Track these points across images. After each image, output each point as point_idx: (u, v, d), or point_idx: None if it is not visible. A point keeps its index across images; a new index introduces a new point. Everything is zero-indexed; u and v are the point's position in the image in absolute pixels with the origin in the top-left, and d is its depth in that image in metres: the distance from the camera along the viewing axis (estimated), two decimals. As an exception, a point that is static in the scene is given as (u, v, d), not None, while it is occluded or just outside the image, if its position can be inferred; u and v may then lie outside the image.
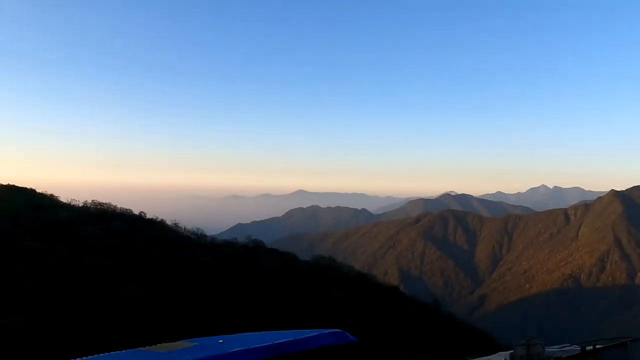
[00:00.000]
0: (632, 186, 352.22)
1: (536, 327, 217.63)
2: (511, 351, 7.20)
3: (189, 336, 7.38)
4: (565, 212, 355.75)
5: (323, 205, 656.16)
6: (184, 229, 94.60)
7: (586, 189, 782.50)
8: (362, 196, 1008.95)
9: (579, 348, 7.28)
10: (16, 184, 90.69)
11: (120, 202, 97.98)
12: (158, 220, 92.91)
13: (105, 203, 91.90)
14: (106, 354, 6.24)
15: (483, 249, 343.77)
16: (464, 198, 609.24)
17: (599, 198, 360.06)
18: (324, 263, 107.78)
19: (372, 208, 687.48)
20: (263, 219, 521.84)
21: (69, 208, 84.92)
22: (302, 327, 7.41)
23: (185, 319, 50.53)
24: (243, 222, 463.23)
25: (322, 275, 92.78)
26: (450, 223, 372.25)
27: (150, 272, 63.87)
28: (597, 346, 7.28)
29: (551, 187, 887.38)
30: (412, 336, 73.72)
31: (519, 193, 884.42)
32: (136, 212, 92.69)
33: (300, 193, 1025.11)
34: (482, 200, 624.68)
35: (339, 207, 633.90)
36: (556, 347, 7.96)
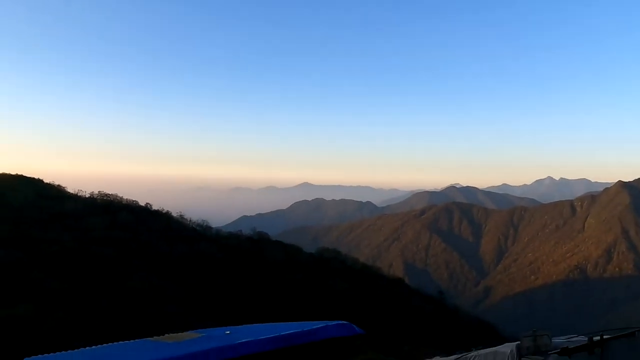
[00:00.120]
0: (639, 177, 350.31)
1: (542, 319, 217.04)
2: (518, 342, 7.11)
3: (195, 327, 7.48)
4: (571, 204, 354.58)
5: (328, 197, 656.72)
6: (190, 220, 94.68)
7: (592, 181, 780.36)
8: (366, 189, 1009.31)
9: (586, 339, 7.14)
10: (24, 174, 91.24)
11: (127, 193, 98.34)
12: (164, 211, 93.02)
13: (112, 194, 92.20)
14: (114, 343, 6.33)
15: (488, 241, 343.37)
16: (469, 190, 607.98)
17: (606, 189, 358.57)
18: (328, 255, 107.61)
19: (377, 200, 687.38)
20: (268, 212, 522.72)
21: (75, 199, 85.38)
22: (307, 319, 7.37)
23: (192, 311, 50.34)
24: (248, 215, 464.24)
25: (326, 267, 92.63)
26: (455, 215, 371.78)
27: (156, 264, 63.82)
28: (605, 337, 7.13)
29: (557, 179, 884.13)
30: (417, 328, 73.51)
31: (524, 185, 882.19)
32: (142, 203, 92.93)
33: (305, 185, 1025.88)
34: (488, 193, 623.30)
35: (343, 199, 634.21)
36: (563, 337, 7.85)
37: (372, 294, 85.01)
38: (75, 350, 5.97)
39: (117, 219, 76.79)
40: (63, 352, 5.93)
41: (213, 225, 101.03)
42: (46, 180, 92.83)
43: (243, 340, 5.56)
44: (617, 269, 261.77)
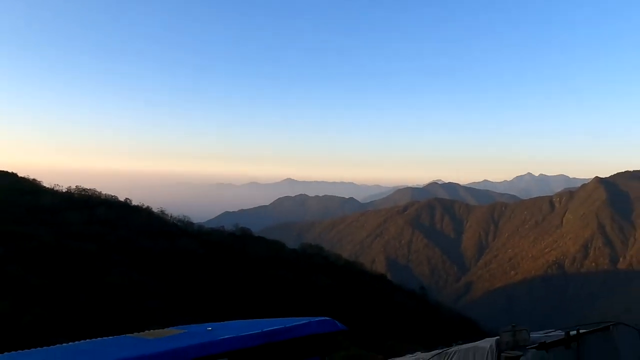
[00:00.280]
0: (615, 173, 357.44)
1: (521, 313, 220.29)
2: (497, 337, 7.26)
3: (177, 323, 7.52)
4: (550, 200, 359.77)
5: (311, 194, 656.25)
6: (171, 216, 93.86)
7: (571, 177, 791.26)
8: (350, 185, 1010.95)
9: (563, 333, 7.42)
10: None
11: (105, 188, 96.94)
12: (144, 207, 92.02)
13: (90, 189, 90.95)
14: (93, 339, 6.28)
15: (469, 237, 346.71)
16: (451, 186, 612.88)
17: (584, 185, 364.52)
18: (311, 251, 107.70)
19: (360, 197, 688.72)
20: (251, 207, 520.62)
21: (52, 193, 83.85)
22: (290, 315, 7.43)
23: (173, 306, 49.94)
24: (230, 210, 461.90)
25: (310, 263, 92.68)
26: (438, 211, 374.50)
27: (136, 259, 63.13)
28: (581, 331, 7.45)
29: (537, 175, 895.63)
30: (399, 324, 73.95)
31: (505, 181, 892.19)
32: (121, 198, 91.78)
33: (289, 182, 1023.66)
34: (469, 189, 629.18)
35: (327, 195, 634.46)
36: (541, 332, 8.11)
37: (355, 290, 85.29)
38: (53, 346, 5.86)
39: (95, 214, 75.80)
40: (39, 348, 5.81)
41: (195, 221, 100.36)
42: (20, 174, 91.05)
43: (225, 337, 5.54)
44: (593, 264, 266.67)
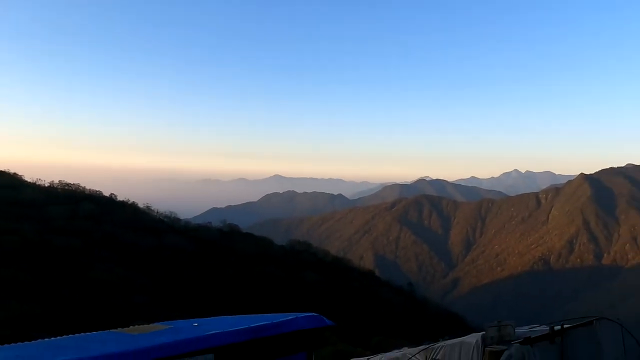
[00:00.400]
0: (600, 169, 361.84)
1: (508, 309, 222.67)
2: (483, 332, 7.27)
3: (164, 319, 7.30)
4: (536, 196, 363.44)
5: (299, 190, 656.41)
6: (157, 212, 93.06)
7: (556, 173, 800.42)
8: (338, 181, 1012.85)
9: (548, 328, 7.50)
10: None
11: (90, 183, 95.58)
12: (130, 202, 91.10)
13: (74, 184, 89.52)
14: (76, 334, 6.06)
15: (457, 233, 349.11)
16: (438, 183, 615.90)
17: (569, 182, 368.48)
18: (300, 248, 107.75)
19: (348, 193, 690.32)
20: (238, 204, 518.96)
21: (34, 188, 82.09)
22: (278, 311, 7.37)
23: (160, 302, 49.70)
24: (218, 207, 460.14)
25: (298, 260, 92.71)
26: (425, 208, 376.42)
27: (122, 255, 62.67)
28: (565, 326, 7.53)
29: (523, 172, 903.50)
30: (387, 319, 74.31)
31: (492, 178, 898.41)
32: (106, 194, 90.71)
33: (277, 178, 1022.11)
34: (457, 185, 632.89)
35: (315, 192, 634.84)
36: (526, 327, 8.20)
37: (343, 286, 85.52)
38: (34, 341, 5.75)
39: (79, 209, 74.79)
40: (19, 343, 5.70)
41: (181, 217, 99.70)
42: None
43: (211, 332, 5.48)
44: (578, 259, 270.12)
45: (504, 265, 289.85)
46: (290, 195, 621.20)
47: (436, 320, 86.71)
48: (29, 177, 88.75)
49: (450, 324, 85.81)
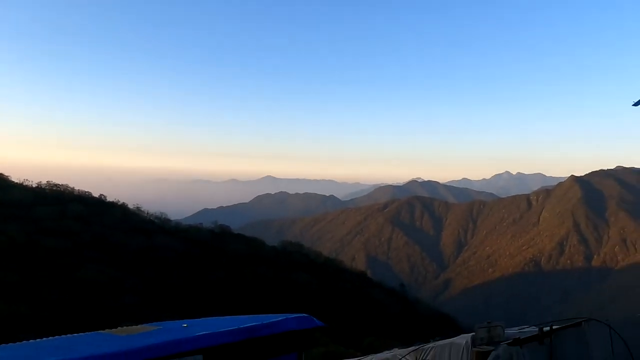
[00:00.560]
0: (590, 171, 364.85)
1: (499, 310, 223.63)
2: (473, 333, 7.32)
3: (154, 320, 7.31)
4: (527, 198, 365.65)
5: (291, 191, 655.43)
6: (147, 213, 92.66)
7: (547, 175, 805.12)
8: (330, 182, 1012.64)
9: (537, 329, 7.57)
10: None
11: (79, 184, 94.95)
12: (119, 203, 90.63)
13: (62, 184, 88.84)
14: (64, 336, 6.07)
15: (448, 234, 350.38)
16: (430, 184, 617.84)
17: (560, 183, 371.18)
18: (291, 249, 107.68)
19: (340, 194, 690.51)
20: (230, 205, 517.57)
21: (21, 188, 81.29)
22: (270, 312, 7.41)
23: (150, 303, 49.45)
24: (209, 208, 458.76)
25: (289, 261, 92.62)
26: (417, 209, 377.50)
27: (111, 256, 62.30)
28: (554, 327, 7.61)
29: (514, 174, 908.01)
30: (378, 320, 74.41)
31: (483, 179, 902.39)
32: (96, 194, 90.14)
33: (268, 179, 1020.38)
34: (448, 187, 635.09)
35: (307, 193, 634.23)
36: (516, 328, 8.25)
37: (335, 287, 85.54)
38: (21, 342, 5.70)
39: (67, 210, 74.26)
40: (7, 344, 5.65)
41: (172, 218, 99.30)
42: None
43: (200, 333, 5.46)
44: (569, 261, 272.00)
45: (495, 266, 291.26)
46: (282, 196, 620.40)
47: (428, 321, 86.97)
48: (16, 177, 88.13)
49: (441, 325, 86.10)
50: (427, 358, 7.82)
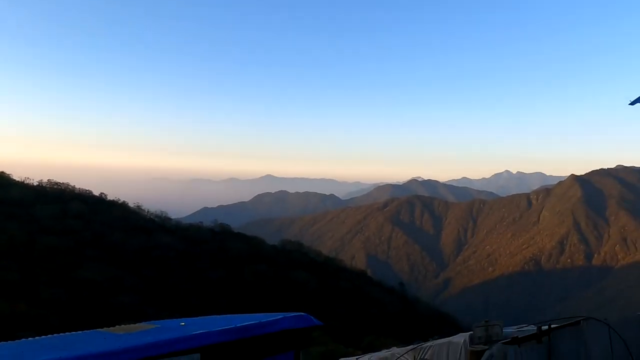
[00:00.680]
0: (590, 171, 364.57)
1: (499, 309, 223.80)
2: (471, 332, 7.36)
3: (153, 319, 7.40)
4: (527, 197, 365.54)
5: (291, 190, 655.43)
6: (147, 212, 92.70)
7: (547, 174, 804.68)
8: (330, 181, 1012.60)
9: (535, 328, 7.57)
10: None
11: (79, 183, 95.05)
12: (119, 202, 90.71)
13: (63, 183, 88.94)
14: (61, 334, 6.09)
15: (448, 233, 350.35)
16: (430, 184, 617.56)
17: (560, 183, 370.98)
18: (291, 247, 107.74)
19: (340, 193, 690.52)
20: (230, 203, 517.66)
21: (22, 186, 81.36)
22: (270, 311, 7.50)
23: (150, 301, 49.47)
24: (209, 206, 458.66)
25: (289, 259, 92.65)
26: (417, 208, 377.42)
27: (111, 254, 62.33)
28: (552, 326, 7.65)
29: (514, 173, 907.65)
30: (378, 319, 74.46)
31: (483, 178, 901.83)
32: (96, 193, 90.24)
33: (268, 178, 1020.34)
34: (448, 186, 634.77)
35: (307, 192, 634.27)
36: (514, 327, 8.31)
37: (335, 286, 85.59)
38: (18, 340, 5.71)
39: (68, 209, 74.33)
40: (4, 342, 5.66)
41: (172, 217, 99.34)
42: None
43: (197, 332, 5.47)
44: (569, 260, 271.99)
45: (495, 265, 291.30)
46: (282, 195, 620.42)
47: (427, 320, 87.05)
48: (17, 176, 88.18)
49: (441, 323, 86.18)
50: (426, 357, 7.84)
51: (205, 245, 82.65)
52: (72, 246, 58.77)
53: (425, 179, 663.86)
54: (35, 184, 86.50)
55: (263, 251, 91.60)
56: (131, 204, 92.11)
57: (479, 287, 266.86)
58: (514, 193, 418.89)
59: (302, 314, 6.69)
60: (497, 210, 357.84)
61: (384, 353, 9.25)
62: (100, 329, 6.14)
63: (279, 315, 6.43)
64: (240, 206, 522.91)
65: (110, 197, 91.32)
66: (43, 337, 5.93)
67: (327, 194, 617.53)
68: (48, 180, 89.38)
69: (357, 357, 10.78)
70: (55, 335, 6.04)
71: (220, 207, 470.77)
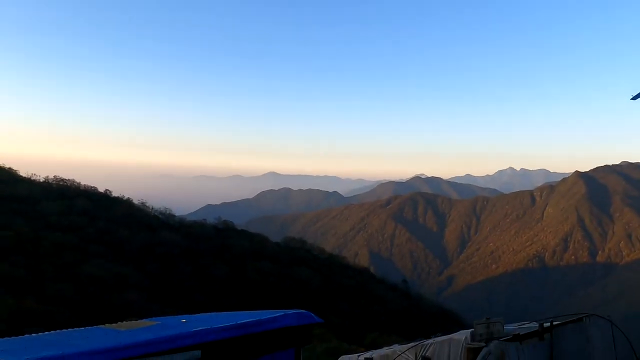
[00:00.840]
0: (595, 167, 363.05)
1: (502, 306, 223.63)
2: (472, 329, 7.30)
3: (157, 315, 7.42)
4: (531, 194, 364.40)
5: (294, 187, 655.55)
6: (152, 208, 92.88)
7: (551, 171, 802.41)
8: (333, 178, 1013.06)
9: (537, 325, 7.51)
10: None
11: (85, 179, 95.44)
12: (124, 198, 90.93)
13: (69, 179, 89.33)
14: (64, 330, 6.14)
15: (452, 230, 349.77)
16: (433, 181, 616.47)
17: (564, 179, 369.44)
18: (294, 245, 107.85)
19: (344, 190, 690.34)
20: (233, 200, 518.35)
21: (29, 183, 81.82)
22: (273, 308, 7.48)
23: (154, 298, 49.65)
24: (213, 203, 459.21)
25: (293, 256, 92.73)
26: (420, 205, 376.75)
27: (116, 251, 62.55)
28: (554, 323, 7.55)
29: (518, 170, 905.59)
30: (381, 316, 74.53)
31: (487, 175, 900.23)
32: (101, 190, 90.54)
33: (272, 175, 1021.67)
34: (452, 183, 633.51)
35: (310, 189, 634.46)
36: (516, 324, 8.23)
37: (338, 283, 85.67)
38: (21, 336, 5.75)
39: (74, 205, 74.65)
40: (7, 338, 5.69)
41: (176, 214, 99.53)
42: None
43: (198, 329, 5.49)
44: (573, 257, 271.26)
45: (498, 262, 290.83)
46: (286, 192, 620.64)
47: (431, 318, 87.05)
48: (24, 172, 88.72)
49: (445, 321, 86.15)
50: (427, 354, 7.83)
51: (209, 242, 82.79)
52: (77, 242, 59.00)
53: (429, 176, 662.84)
54: (41, 181, 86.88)
55: (266, 248, 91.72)
56: (136, 201, 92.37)
57: (483, 284, 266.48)
58: (518, 190, 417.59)
59: (303, 311, 6.73)
60: (500, 207, 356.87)
61: (385, 350, 9.25)
62: (101, 326, 6.18)
63: (280, 313, 6.46)
64: (243, 203, 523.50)
65: (115, 194, 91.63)
66: (45, 333, 5.97)
67: (330, 191, 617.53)
68: (54, 176, 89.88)
69: (359, 354, 10.78)
70: (57, 331, 6.08)
71: (224, 204, 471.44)
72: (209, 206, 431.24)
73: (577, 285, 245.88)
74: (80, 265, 49.33)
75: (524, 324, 8.20)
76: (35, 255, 47.48)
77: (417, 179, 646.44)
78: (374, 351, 9.88)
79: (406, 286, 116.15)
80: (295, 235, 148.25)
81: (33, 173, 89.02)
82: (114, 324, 6.20)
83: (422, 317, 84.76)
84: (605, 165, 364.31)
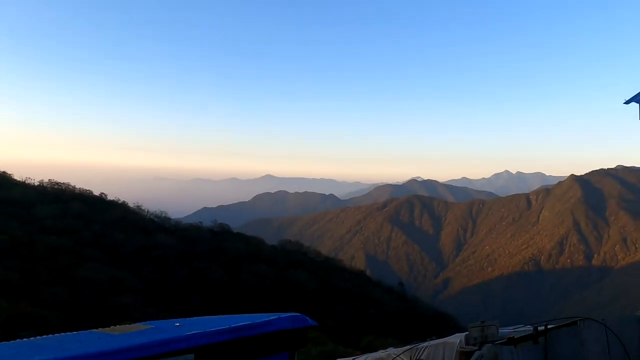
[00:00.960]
0: (590, 171, 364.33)
1: (498, 309, 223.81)
2: (467, 332, 7.29)
3: (152, 319, 7.23)
4: (527, 197, 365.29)
5: (291, 190, 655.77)
6: (147, 211, 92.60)
7: (547, 174, 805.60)
8: (329, 181, 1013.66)
9: (532, 328, 7.50)
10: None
11: (80, 182, 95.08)
12: (119, 202, 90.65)
13: (64, 183, 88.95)
14: (58, 334, 5.90)
15: (448, 233, 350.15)
16: (430, 183, 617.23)
17: (559, 183, 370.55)
18: (291, 248, 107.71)
19: (340, 193, 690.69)
20: (230, 203, 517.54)
21: (23, 186, 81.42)
22: (269, 311, 7.31)
23: (149, 301, 49.48)
24: (209, 206, 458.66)
25: (289, 259, 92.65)
26: (416, 208, 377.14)
27: (111, 254, 62.33)
28: (549, 326, 7.56)
29: (514, 173, 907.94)
30: (377, 319, 74.48)
31: (483, 179, 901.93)
32: (96, 193, 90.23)
33: (268, 178, 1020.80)
34: (448, 186, 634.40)
35: (306, 192, 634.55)
36: (510, 328, 8.23)
37: (334, 286, 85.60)
38: (14, 341, 5.69)
39: (69, 208, 74.37)
40: (2, 342, 5.64)
41: (172, 217, 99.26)
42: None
43: (191, 332, 5.44)
44: (568, 260, 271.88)
45: (494, 265, 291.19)
46: (282, 195, 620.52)
47: (427, 320, 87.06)
48: (18, 175, 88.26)
49: (440, 324, 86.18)
50: (421, 357, 7.82)
51: (205, 245, 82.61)
52: (72, 246, 58.78)
53: (425, 179, 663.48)
54: (36, 184, 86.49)
55: (262, 251, 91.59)
56: (131, 204, 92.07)
57: (478, 287, 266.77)
58: (514, 193, 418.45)
59: (297, 314, 6.64)
60: (496, 211, 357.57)
61: (380, 354, 9.23)
62: (95, 329, 6.11)
63: (274, 316, 6.37)
64: (239, 206, 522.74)
65: (110, 197, 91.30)
66: (38, 337, 5.90)
67: (327, 194, 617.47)
68: (49, 180, 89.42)
69: (354, 357, 10.75)
70: (50, 335, 6.01)
71: (220, 207, 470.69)
72: (205, 209, 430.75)
73: (572, 288, 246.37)
74: (75, 269, 49.12)
75: (519, 327, 8.21)
76: (29, 258, 47.26)
77: (414, 181, 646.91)
78: (370, 354, 9.86)
79: (402, 289, 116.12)
80: (291, 238, 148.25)
81: (27, 176, 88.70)
82: (107, 328, 6.13)
83: (418, 320, 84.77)
84: (600, 169, 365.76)
